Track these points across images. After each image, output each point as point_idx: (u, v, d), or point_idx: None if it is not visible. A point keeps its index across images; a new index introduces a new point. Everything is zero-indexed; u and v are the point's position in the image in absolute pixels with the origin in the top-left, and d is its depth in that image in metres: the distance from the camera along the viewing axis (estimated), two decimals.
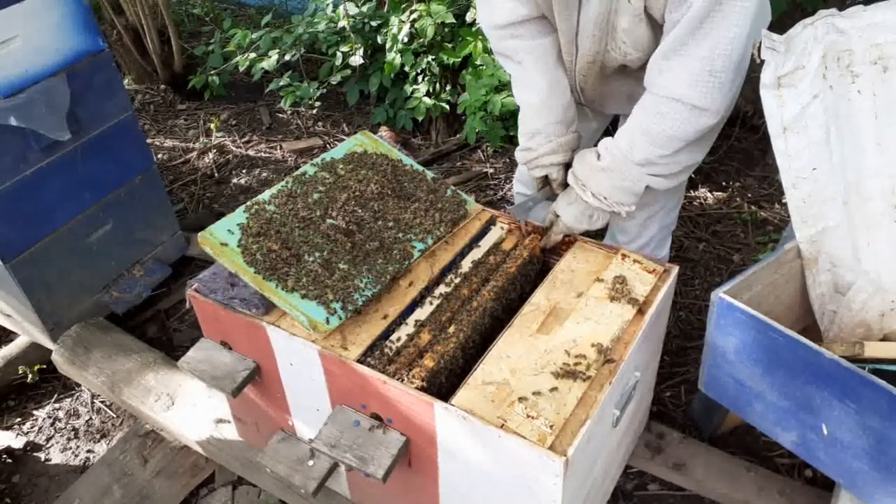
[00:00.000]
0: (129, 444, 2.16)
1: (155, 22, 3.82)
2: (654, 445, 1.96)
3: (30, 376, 2.40)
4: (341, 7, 3.46)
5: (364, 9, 3.51)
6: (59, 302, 2.34)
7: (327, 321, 1.51)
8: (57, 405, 2.40)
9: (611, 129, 2.53)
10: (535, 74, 1.72)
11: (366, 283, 1.59)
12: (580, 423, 1.31)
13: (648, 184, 1.62)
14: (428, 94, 3.32)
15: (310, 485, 1.66)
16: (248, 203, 1.71)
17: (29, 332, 2.44)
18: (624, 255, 1.67)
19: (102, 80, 2.26)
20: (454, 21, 3.11)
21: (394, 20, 3.29)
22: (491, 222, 1.83)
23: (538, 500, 1.33)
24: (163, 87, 4.15)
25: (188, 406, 2.14)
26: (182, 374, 2.19)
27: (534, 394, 1.36)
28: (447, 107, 3.32)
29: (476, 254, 1.75)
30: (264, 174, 3.45)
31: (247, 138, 3.74)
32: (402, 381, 1.41)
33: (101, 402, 2.39)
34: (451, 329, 1.55)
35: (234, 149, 3.65)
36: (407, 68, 3.28)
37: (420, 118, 3.37)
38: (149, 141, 3.67)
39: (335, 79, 3.50)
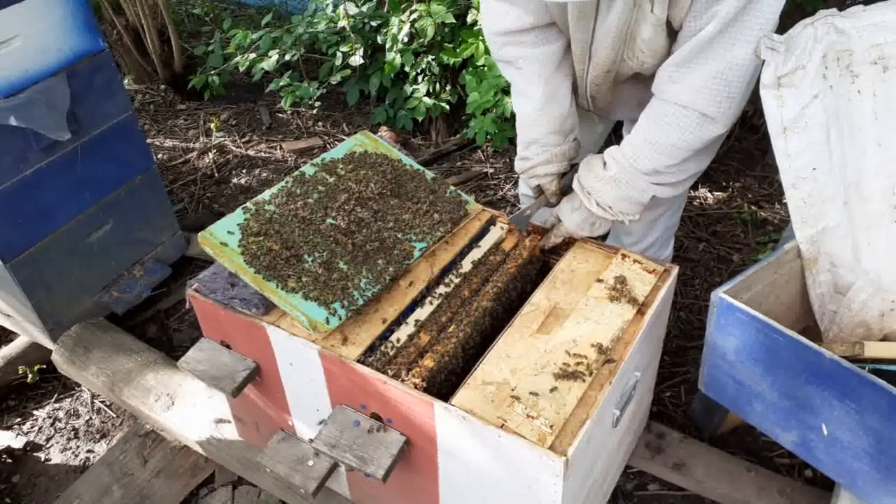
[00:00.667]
0: (129, 444, 2.16)
1: (155, 22, 3.82)
2: (654, 445, 1.96)
3: (30, 376, 2.40)
4: (341, 7, 3.46)
5: (364, 9, 3.51)
6: (59, 302, 2.34)
7: (327, 321, 1.51)
8: (57, 405, 2.40)
9: (612, 138, 2.54)
10: (532, 83, 1.70)
11: (366, 283, 1.59)
12: (580, 423, 1.31)
13: (654, 193, 1.62)
14: (428, 94, 3.33)
15: (310, 485, 1.66)
16: (248, 203, 1.71)
17: (29, 332, 2.44)
18: (624, 255, 1.67)
19: (102, 80, 2.26)
20: (454, 21, 3.11)
21: (394, 20, 3.29)
22: (491, 222, 1.83)
23: (538, 500, 1.33)
24: (163, 87, 4.15)
25: (188, 406, 2.14)
26: (182, 374, 2.19)
27: (534, 394, 1.36)
28: (447, 107, 3.32)
29: (476, 254, 1.75)
30: (264, 174, 3.45)
31: (247, 138, 3.74)
32: (402, 381, 1.41)
33: (101, 402, 2.39)
34: (451, 329, 1.55)
35: (234, 149, 3.65)
36: (407, 68, 3.28)
37: (420, 118, 3.37)
38: (149, 141, 3.67)
39: (335, 79, 3.50)
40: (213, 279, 1.66)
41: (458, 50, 3.11)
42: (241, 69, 3.67)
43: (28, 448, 2.26)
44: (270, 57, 3.51)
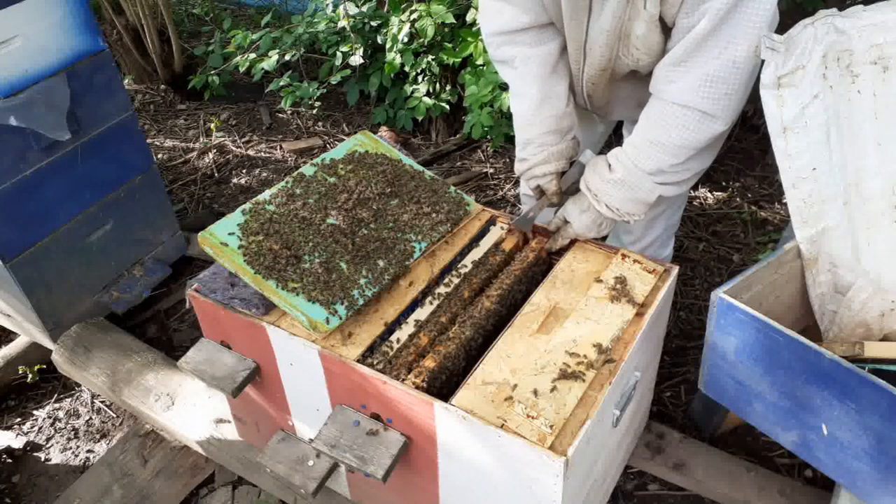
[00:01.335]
0: (129, 444, 2.16)
1: (155, 22, 3.82)
2: (654, 445, 1.96)
3: (30, 376, 2.40)
4: (341, 7, 3.46)
5: (364, 9, 3.51)
6: (59, 302, 2.34)
7: (327, 321, 1.51)
8: (57, 405, 2.40)
9: (612, 138, 2.54)
10: (529, 83, 1.70)
11: (366, 283, 1.59)
12: (580, 423, 1.31)
13: (660, 193, 1.63)
14: (428, 94, 3.33)
15: (310, 485, 1.66)
16: (248, 203, 1.71)
17: (29, 332, 2.44)
18: (624, 255, 1.67)
19: (102, 80, 2.26)
20: (454, 21, 3.11)
21: (394, 20, 3.29)
22: (491, 222, 1.83)
23: (538, 500, 1.33)
24: (163, 87, 4.15)
25: (188, 406, 2.13)
26: (182, 374, 2.19)
27: (534, 394, 1.36)
28: (447, 107, 3.32)
29: (476, 254, 1.75)
30: (264, 174, 3.45)
31: (247, 138, 3.74)
32: (403, 381, 1.41)
33: (101, 402, 2.39)
34: (452, 329, 1.55)
35: (234, 149, 3.65)
36: (407, 68, 3.28)
37: (420, 118, 3.37)
38: (149, 141, 3.67)
39: (335, 79, 3.50)
40: (213, 279, 1.66)
41: (457, 50, 3.11)
42: (241, 69, 3.67)
43: (28, 448, 2.26)
44: (270, 57, 3.51)
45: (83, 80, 2.20)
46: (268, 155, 3.61)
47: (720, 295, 1.46)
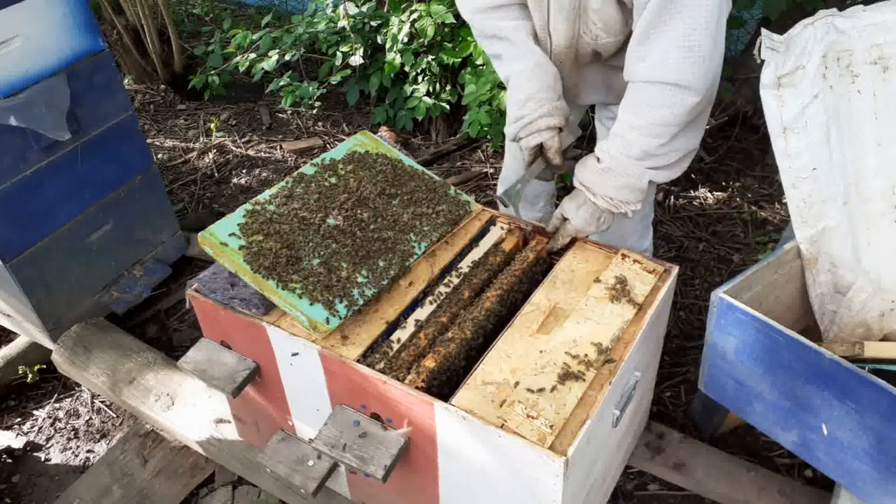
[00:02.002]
0: (129, 444, 2.16)
1: (155, 22, 3.82)
2: (654, 445, 1.96)
3: (30, 376, 2.40)
4: (341, 7, 3.46)
5: (364, 9, 3.51)
6: (59, 302, 2.34)
7: (327, 321, 1.51)
8: (57, 405, 2.40)
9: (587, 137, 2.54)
10: (524, 47, 1.72)
11: (366, 283, 1.59)
12: (580, 423, 1.31)
13: (650, 178, 1.63)
14: (428, 94, 3.33)
15: (310, 485, 1.66)
16: (248, 203, 1.71)
17: (29, 332, 2.44)
18: (624, 255, 1.67)
19: (102, 80, 2.26)
20: (454, 21, 3.11)
21: (394, 20, 3.29)
22: (491, 222, 1.83)
23: (538, 500, 1.34)
24: (163, 87, 4.15)
25: (188, 406, 2.13)
26: (182, 374, 2.19)
27: (534, 394, 1.36)
28: (447, 107, 3.32)
29: (476, 254, 1.75)
30: (264, 174, 3.45)
31: (247, 138, 3.74)
32: (403, 381, 1.41)
33: (101, 402, 2.39)
34: (452, 329, 1.55)
35: (234, 149, 3.65)
36: (407, 68, 3.28)
37: (420, 118, 3.37)
38: (149, 141, 3.67)
39: (335, 79, 3.50)
40: (213, 279, 1.66)
41: (457, 49, 3.11)
42: (241, 69, 3.67)
43: (28, 448, 2.26)
44: (270, 57, 3.51)
45: (83, 80, 2.20)
46: (268, 155, 3.61)
47: (720, 295, 1.46)
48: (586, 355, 1.43)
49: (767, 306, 1.58)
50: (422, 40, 3.21)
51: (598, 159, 1.65)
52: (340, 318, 1.52)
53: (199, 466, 2.10)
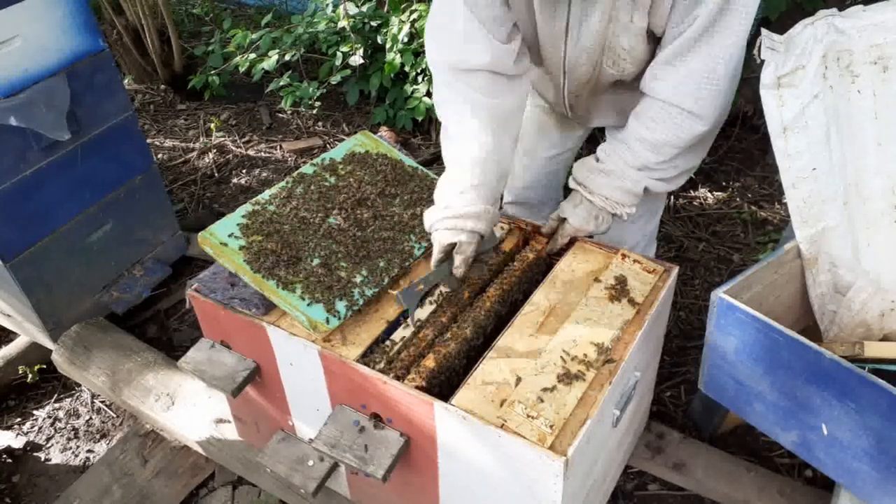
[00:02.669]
0: (129, 444, 2.16)
1: (155, 22, 3.82)
2: (654, 445, 1.96)
3: (30, 376, 2.40)
4: (341, 7, 3.46)
5: (364, 9, 3.51)
6: (59, 302, 2.34)
7: (327, 321, 1.51)
8: (57, 405, 2.40)
9: (584, 148, 2.54)
10: (481, 130, 1.55)
11: (366, 283, 1.59)
12: (580, 423, 1.31)
13: (648, 186, 1.63)
14: (428, 94, 3.32)
15: (310, 485, 1.66)
16: (248, 203, 1.71)
17: (29, 332, 2.44)
18: (624, 255, 1.67)
19: (102, 80, 2.26)
20: None
21: (394, 20, 3.29)
22: None
23: (538, 501, 1.33)
24: (163, 87, 4.15)
25: (188, 406, 2.13)
26: (182, 374, 2.19)
27: (534, 394, 1.36)
28: None
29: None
30: (264, 174, 3.45)
31: (247, 138, 3.74)
32: (402, 381, 1.41)
33: (101, 402, 2.39)
34: (452, 329, 1.55)
35: (234, 149, 3.65)
36: (407, 68, 3.28)
37: (420, 118, 3.37)
38: (149, 141, 3.67)
39: (335, 79, 3.50)
40: (213, 279, 1.66)
41: None
42: (241, 69, 3.67)
43: (28, 448, 2.26)
44: (270, 57, 3.51)
45: (83, 80, 2.20)
46: (268, 155, 3.61)
47: (720, 295, 1.46)
48: (586, 355, 1.43)
49: (767, 306, 1.58)
50: (422, 40, 3.21)
51: (598, 159, 1.66)
52: (340, 318, 1.52)
53: (199, 466, 2.10)
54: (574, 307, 1.55)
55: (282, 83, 3.58)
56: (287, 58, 3.56)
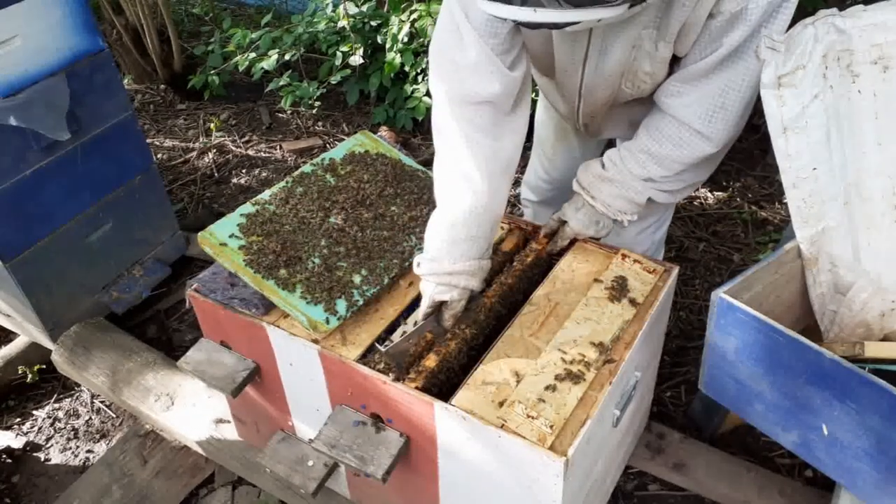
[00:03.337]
0: (129, 444, 2.16)
1: (154, 21, 3.82)
2: (654, 445, 1.96)
3: (29, 376, 2.40)
4: (341, 7, 3.46)
5: (364, 8, 3.51)
6: (58, 302, 2.33)
7: (327, 321, 1.51)
8: (57, 405, 2.40)
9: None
10: (482, 176, 1.47)
11: (365, 283, 1.59)
12: (580, 423, 1.31)
13: (652, 197, 1.64)
14: (428, 94, 3.32)
15: (310, 485, 1.66)
16: (248, 203, 1.71)
17: (29, 332, 2.44)
18: (624, 255, 1.67)
19: (102, 79, 2.26)
20: None
21: (394, 20, 3.29)
22: None
23: (538, 501, 1.33)
24: (162, 86, 4.15)
25: (188, 406, 2.13)
26: (182, 374, 2.19)
27: (534, 394, 1.36)
28: None
29: None
30: (264, 174, 3.45)
31: (247, 138, 3.74)
32: (402, 381, 1.41)
33: (101, 402, 2.39)
34: (452, 329, 1.54)
35: (233, 149, 3.65)
36: (407, 68, 3.28)
37: (420, 118, 3.37)
38: (148, 141, 3.67)
39: (335, 79, 3.50)
40: (213, 279, 1.66)
41: None
42: (241, 69, 3.67)
43: (28, 448, 2.26)
44: (270, 57, 3.51)
45: (83, 80, 2.19)
46: (268, 155, 3.60)
47: (720, 295, 1.46)
48: (586, 355, 1.43)
49: (768, 306, 1.58)
50: (422, 40, 3.21)
51: (603, 166, 1.65)
52: (340, 318, 1.52)
53: (199, 466, 2.10)
54: (574, 307, 1.55)
55: (281, 83, 3.58)
56: (287, 57, 3.56)
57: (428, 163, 3.49)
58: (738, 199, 3.06)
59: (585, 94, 1.61)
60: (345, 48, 3.47)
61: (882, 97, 1.41)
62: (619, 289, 1.58)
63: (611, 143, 1.89)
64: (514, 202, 3.12)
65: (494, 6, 1.14)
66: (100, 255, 2.43)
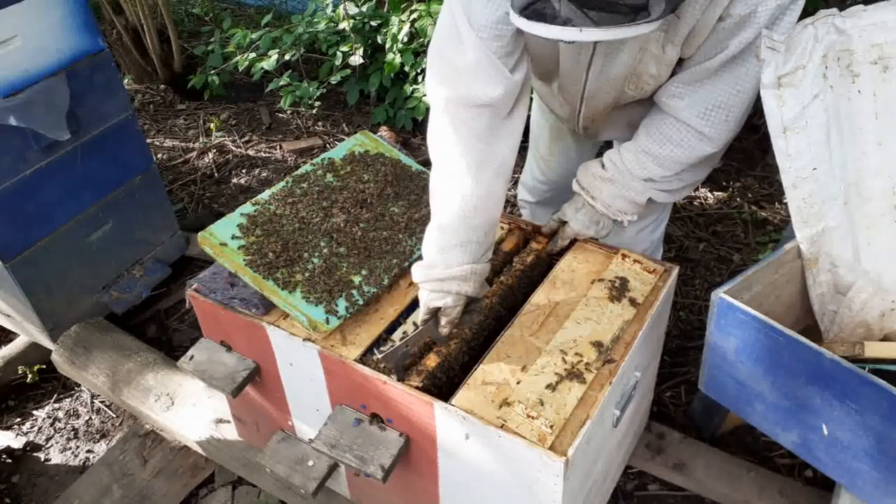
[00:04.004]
0: (129, 444, 2.16)
1: (154, 21, 3.82)
2: (654, 445, 1.96)
3: (29, 376, 2.40)
4: (341, 7, 3.46)
5: (364, 9, 3.51)
6: (58, 302, 2.33)
7: (327, 321, 1.51)
8: (57, 405, 2.40)
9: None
10: (474, 180, 1.44)
11: (365, 283, 1.59)
12: (580, 423, 1.31)
13: (652, 197, 1.64)
14: None
15: (310, 485, 1.66)
16: (248, 203, 1.71)
17: (29, 332, 2.44)
18: (624, 255, 1.67)
19: (102, 80, 2.26)
20: None
21: (394, 20, 3.29)
22: None
23: (538, 501, 1.33)
24: (162, 86, 4.15)
25: (188, 406, 2.13)
26: (182, 374, 2.19)
27: (534, 393, 1.36)
28: None
29: None
30: (264, 174, 3.45)
31: (247, 138, 3.74)
32: (402, 381, 1.41)
33: (101, 402, 2.39)
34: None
35: (233, 149, 3.65)
36: (407, 68, 3.28)
37: (420, 118, 3.37)
38: (149, 141, 3.67)
39: (335, 79, 3.50)
40: (213, 279, 1.66)
41: None
42: (241, 69, 3.67)
43: (28, 448, 2.26)
44: (270, 57, 3.51)
45: (83, 80, 2.19)
46: (268, 155, 3.60)
47: (720, 295, 1.46)
48: (586, 355, 1.43)
49: (768, 306, 1.58)
50: (422, 40, 3.21)
51: (603, 166, 1.66)
52: (340, 318, 1.52)
53: (199, 466, 2.10)
54: (574, 307, 1.55)
55: (281, 83, 3.58)
56: (287, 57, 3.56)
57: (428, 163, 3.49)
58: (738, 199, 3.06)
59: (588, 98, 1.60)
60: (345, 48, 3.47)
61: (882, 97, 1.41)
62: (619, 289, 1.58)
63: (607, 143, 1.89)
64: (512, 202, 3.12)
65: (537, 26, 1.12)
66: (100, 255, 2.43)
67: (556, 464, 1.24)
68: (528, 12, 1.13)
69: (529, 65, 1.47)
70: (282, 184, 1.78)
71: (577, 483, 1.40)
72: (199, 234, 1.61)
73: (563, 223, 1.73)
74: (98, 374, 2.27)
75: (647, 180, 1.61)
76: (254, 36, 3.61)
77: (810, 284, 1.61)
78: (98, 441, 2.27)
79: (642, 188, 1.62)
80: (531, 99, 1.88)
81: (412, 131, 3.62)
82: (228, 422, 2.03)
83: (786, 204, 1.59)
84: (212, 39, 3.95)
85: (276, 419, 1.80)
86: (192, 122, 3.91)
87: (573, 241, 1.74)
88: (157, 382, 2.21)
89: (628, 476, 2.00)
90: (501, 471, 1.36)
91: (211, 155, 3.60)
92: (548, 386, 1.37)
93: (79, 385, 2.44)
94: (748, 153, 3.27)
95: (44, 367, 2.43)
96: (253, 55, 3.58)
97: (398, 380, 1.41)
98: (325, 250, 1.63)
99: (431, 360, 1.46)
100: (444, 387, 1.48)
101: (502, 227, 1.82)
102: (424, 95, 3.31)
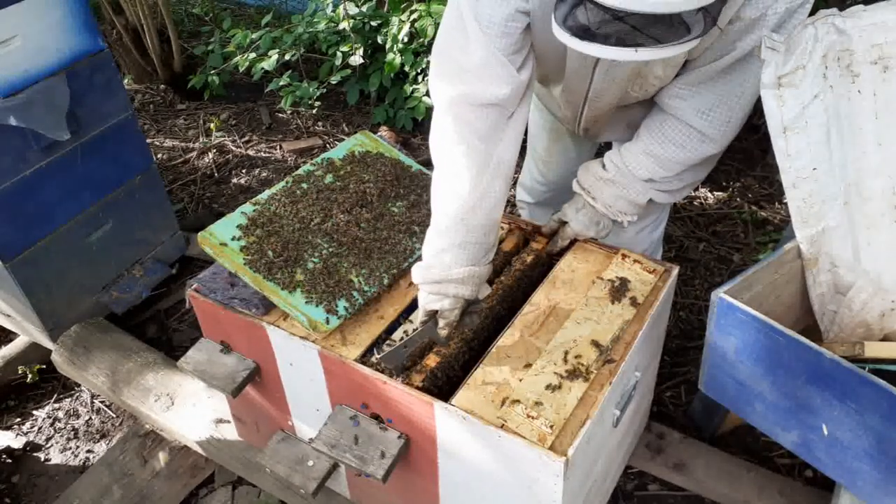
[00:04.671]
0: (129, 444, 2.16)
1: (155, 21, 3.82)
2: (654, 445, 1.96)
3: (29, 376, 2.40)
4: (341, 7, 3.46)
5: (364, 9, 3.51)
6: (58, 302, 2.33)
7: (327, 321, 1.51)
8: (57, 405, 2.40)
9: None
10: (473, 180, 1.42)
11: (366, 283, 1.59)
12: (580, 423, 1.31)
13: (653, 198, 1.64)
14: (428, 93, 3.32)
15: (310, 485, 1.66)
16: (248, 203, 1.71)
17: (29, 332, 2.44)
18: (624, 255, 1.67)
19: (102, 80, 2.26)
20: None
21: (394, 20, 3.29)
22: None
23: (538, 501, 1.33)
24: (162, 86, 4.15)
25: (188, 406, 2.13)
26: (182, 374, 2.19)
27: (534, 394, 1.36)
28: None
29: None
30: (264, 174, 3.45)
31: (247, 138, 3.74)
32: (402, 380, 1.41)
33: (101, 402, 2.39)
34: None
35: (233, 149, 3.65)
36: (407, 68, 3.28)
37: (420, 118, 3.37)
38: (149, 141, 3.67)
39: (335, 79, 3.50)
40: (213, 279, 1.66)
41: None
42: (241, 69, 3.67)
43: (28, 448, 2.26)
44: (270, 57, 3.51)
45: (83, 80, 2.19)
46: (268, 155, 3.60)
47: (720, 295, 1.46)
48: (586, 355, 1.43)
49: (768, 306, 1.58)
50: (422, 40, 3.21)
51: (604, 167, 1.66)
52: (340, 318, 1.52)
53: (199, 466, 2.10)
54: (574, 307, 1.55)
55: (282, 83, 3.58)
56: (287, 57, 3.56)
57: (428, 163, 3.49)
58: (738, 199, 3.06)
59: (592, 99, 1.59)
60: (345, 48, 3.47)
61: (882, 97, 1.41)
62: (619, 289, 1.58)
63: (606, 144, 1.89)
64: (511, 202, 3.12)
65: (592, 47, 1.12)
66: (100, 255, 2.43)
67: (556, 464, 1.24)
68: (576, 29, 1.12)
69: (535, 64, 1.47)
70: (282, 184, 1.78)
71: (577, 483, 1.40)
72: (199, 234, 1.61)
73: (564, 223, 1.73)
74: (98, 374, 2.27)
75: (647, 181, 1.62)
76: (254, 36, 3.61)
77: (810, 284, 1.61)
78: (98, 441, 2.27)
79: (643, 189, 1.62)
80: None
81: (412, 131, 3.62)
82: (228, 422, 2.03)
83: (786, 204, 1.59)
84: (212, 39, 3.95)
85: (276, 419, 1.80)
86: (192, 122, 3.91)
87: (573, 242, 1.74)
88: (157, 382, 2.21)
89: (628, 476, 2.00)
90: (501, 471, 1.36)
91: (211, 155, 3.60)
92: (548, 386, 1.37)
93: (79, 385, 2.44)
94: (748, 153, 3.27)
95: (44, 367, 2.43)
96: (253, 55, 3.59)
97: (398, 379, 1.41)
98: (325, 250, 1.63)
99: (431, 360, 1.46)
100: (444, 387, 1.48)
101: (502, 228, 1.82)
102: (424, 95, 3.31)
